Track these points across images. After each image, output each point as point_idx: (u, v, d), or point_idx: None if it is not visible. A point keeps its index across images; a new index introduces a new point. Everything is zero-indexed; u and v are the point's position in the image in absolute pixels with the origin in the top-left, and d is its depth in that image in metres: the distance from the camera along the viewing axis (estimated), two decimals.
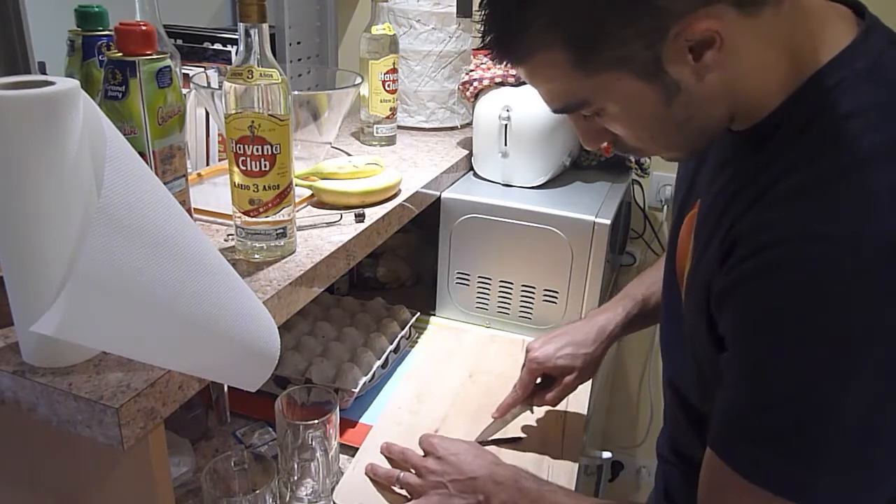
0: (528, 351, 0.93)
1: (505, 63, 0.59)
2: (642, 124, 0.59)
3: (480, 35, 0.58)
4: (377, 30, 1.20)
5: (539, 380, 0.93)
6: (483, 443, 0.92)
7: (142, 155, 0.59)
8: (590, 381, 1.06)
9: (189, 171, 0.79)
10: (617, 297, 0.95)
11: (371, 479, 0.85)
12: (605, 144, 0.63)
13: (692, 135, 0.59)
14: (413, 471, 0.84)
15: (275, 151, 0.68)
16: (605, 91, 0.56)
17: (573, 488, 0.87)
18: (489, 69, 1.18)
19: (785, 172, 0.53)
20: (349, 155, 1.12)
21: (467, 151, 1.25)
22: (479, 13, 0.58)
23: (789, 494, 0.50)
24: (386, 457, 0.89)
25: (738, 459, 0.53)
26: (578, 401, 1.02)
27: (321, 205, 0.92)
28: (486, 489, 0.77)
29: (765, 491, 0.51)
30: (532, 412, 0.95)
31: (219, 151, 1.06)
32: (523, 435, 0.95)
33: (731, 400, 0.55)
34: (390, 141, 1.26)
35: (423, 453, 0.86)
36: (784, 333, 0.50)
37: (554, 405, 0.92)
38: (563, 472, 0.89)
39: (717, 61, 0.52)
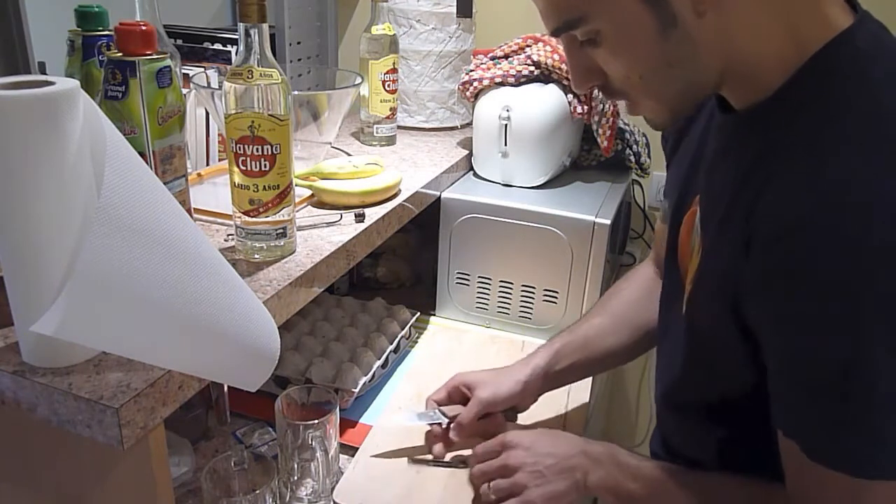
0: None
1: None
2: (633, 56, 0.58)
3: None
4: (377, 30, 1.20)
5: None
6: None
7: (142, 155, 0.59)
8: (590, 381, 1.07)
9: (189, 171, 0.79)
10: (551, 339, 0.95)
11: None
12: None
13: (680, 84, 0.59)
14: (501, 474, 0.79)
15: (275, 151, 0.68)
16: (605, 7, 0.55)
17: None
18: (489, 69, 1.18)
19: (796, 154, 0.53)
20: (349, 155, 1.12)
21: (467, 151, 1.25)
22: None
23: (867, 472, 0.51)
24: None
25: (820, 451, 0.53)
26: (578, 401, 1.02)
27: (321, 205, 0.92)
28: (583, 466, 0.75)
29: (842, 474, 0.52)
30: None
31: (219, 151, 1.06)
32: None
33: (790, 387, 0.55)
34: (390, 141, 1.26)
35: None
36: (825, 314, 0.50)
37: (467, 424, 0.88)
38: None
39: (717, 1, 0.52)
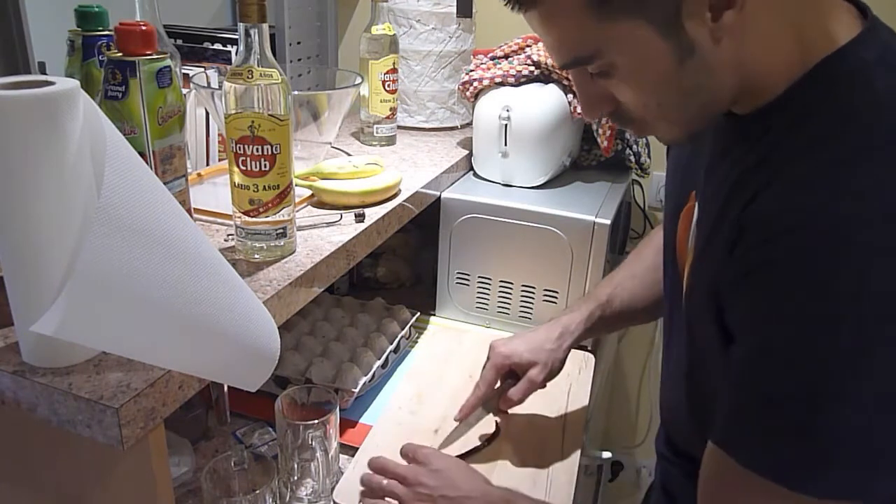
0: (491, 347, 0.93)
1: (517, 6, 0.57)
2: (650, 87, 0.57)
3: None
4: (377, 30, 1.20)
5: (498, 384, 0.93)
6: (463, 456, 0.90)
7: (142, 155, 0.59)
8: (590, 381, 1.07)
9: (189, 171, 0.79)
10: (583, 299, 0.96)
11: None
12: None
13: (696, 108, 0.58)
14: (398, 480, 0.81)
15: (275, 151, 0.68)
16: (619, 42, 0.54)
17: (573, 488, 0.87)
18: (489, 69, 1.18)
19: (796, 156, 0.52)
20: (349, 155, 1.12)
21: (467, 151, 1.25)
22: None
23: (802, 486, 0.50)
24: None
25: (748, 454, 0.52)
26: (578, 401, 1.03)
27: (321, 205, 0.92)
28: None
29: (776, 485, 0.50)
30: (495, 415, 0.95)
31: (219, 151, 1.06)
32: (493, 429, 0.95)
33: (739, 390, 0.54)
34: (390, 141, 1.26)
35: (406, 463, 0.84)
36: (796, 322, 0.49)
37: (519, 402, 0.91)
38: (563, 472, 0.89)
39: (734, 26, 0.51)
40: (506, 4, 0.57)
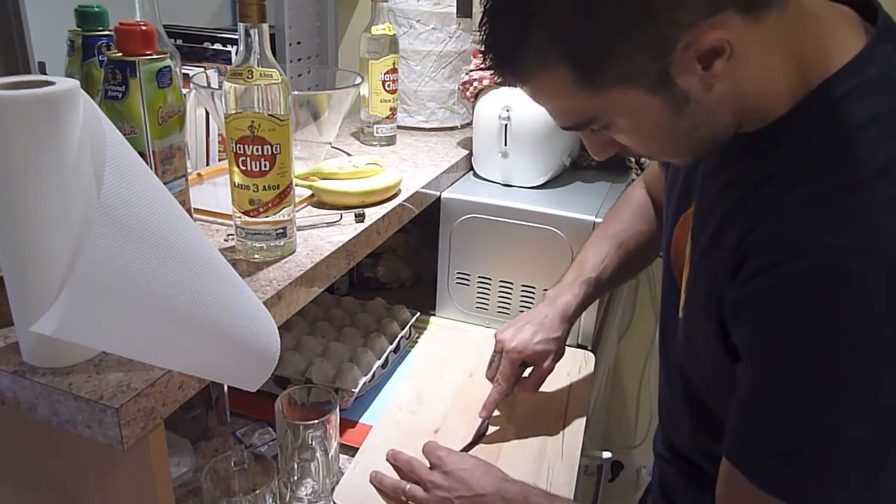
0: (499, 341, 0.93)
1: (509, 83, 0.59)
2: (651, 135, 0.59)
3: (482, 53, 0.57)
4: (377, 30, 1.20)
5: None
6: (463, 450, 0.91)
7: (142, 155, 0.59)
8: (590, 381, 1.07)
9: (189, 171, 0.79)
10: (571, 277, 0.95)
11: (376, 488, 0.84)
12: None
13: (700, 142, 0.59)
14: (419, 483, 0.82)
15: (275, 151, 0.68)
16: (613, 107, 0.55)
17: (573, 488, 0.87)
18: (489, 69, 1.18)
19: (797, 181, 0.52)
20: (349, 155, 1.12)
21: (467, 151, 1.25)
22: (479, 32, 0.57)
23: None
24: (391, 464, 0.87)
25: (756, 471, 0.53)
26: (578, 401, 1.02)
27: (321, 205, 0.92)
28: None
29: (784, 503, 0.51)
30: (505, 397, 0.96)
31: (219, 151, 1.06)
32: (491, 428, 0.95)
33: (748, 410, 0.54)
34: (390, 141, 1.26)
35: (428, 463, 0.84)
36: (802, 347, 0.49)
37: (536, 392, 0.93)
38: (563, 472, 0.89)
39: (726, 70, 0.51)
40: (496, 81, 0.59)
